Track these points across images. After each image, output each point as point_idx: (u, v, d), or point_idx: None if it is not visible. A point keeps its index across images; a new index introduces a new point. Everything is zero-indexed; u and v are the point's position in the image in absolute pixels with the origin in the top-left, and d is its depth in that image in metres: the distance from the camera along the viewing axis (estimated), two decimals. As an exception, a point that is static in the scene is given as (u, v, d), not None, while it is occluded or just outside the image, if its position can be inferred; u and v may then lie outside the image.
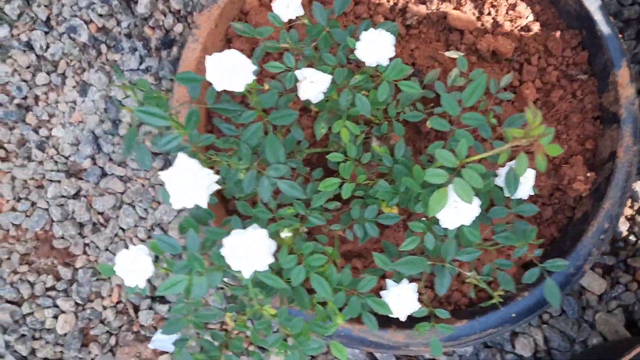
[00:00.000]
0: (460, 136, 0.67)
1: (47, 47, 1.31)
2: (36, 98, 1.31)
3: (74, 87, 1.30)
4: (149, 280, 1.23)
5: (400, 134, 0.79)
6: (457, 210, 0.63)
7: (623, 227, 1.16)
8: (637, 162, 0.84)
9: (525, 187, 0.69)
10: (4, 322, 1.24)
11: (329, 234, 0.86)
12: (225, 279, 0.71)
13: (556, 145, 0.57)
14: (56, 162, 1.29)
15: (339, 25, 0.74)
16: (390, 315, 0.69)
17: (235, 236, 0.58)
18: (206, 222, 0.72)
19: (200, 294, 0.60)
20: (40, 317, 1.25)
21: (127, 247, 1.26)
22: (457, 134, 0.68)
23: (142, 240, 1.26)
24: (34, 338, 1.25)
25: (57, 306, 1.25)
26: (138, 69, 1.29)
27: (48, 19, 1.32)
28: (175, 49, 1.30)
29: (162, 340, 1.22)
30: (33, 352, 1.24)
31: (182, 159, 0.56)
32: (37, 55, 1.31)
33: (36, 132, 1.30)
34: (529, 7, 0.98)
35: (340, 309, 0.70)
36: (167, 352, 1.23)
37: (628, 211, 1.17)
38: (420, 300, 0.70)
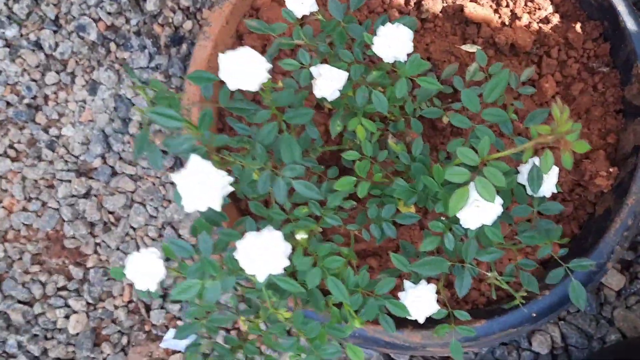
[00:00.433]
0: (482, 133, 0.64)
1: (56, 46, 1.30)
2: (46, 97, 1.30)
3: (83, 86, 1.29)
4: (160, 280, 1.22)
5: (419, 131, 0.77)
6: (478, 210, 0.62)
7: (643, 222, 1.13)
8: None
9: (549, 184, 0.66)
10: (16, 322, 1.24)
11: (345, 234, 0.84)
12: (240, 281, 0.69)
13: (583, 142, 0.55)
14: (66, 161, 1.28)
15: (355, 21, 0.72)
16: (408, 317, 0.67)
17: (250, 239, 0.56)
18: (219, 224, 0.70)
19: (213, 299, 0.59)
20: (52, 317, 1.24)
21: (138, 246, 1.25)
22: (478, 131, 0.66)
23: (153, 239, 1.24)
24: (46, 338, 1.24)
25: (68, 306, 1.24)
26: (147, 66, 1.28)
27: (57, 17, 1.30)
28: (184, 46, 1.28)
29: (174, 340, 1.21)
30: (45, 352, 1.23)
31: (195, 160, 0.54)
32: (46, 54, 1.30)
33: (46, 131, 1.29)
34: (548, -1, 0.96)
35: (357, 311, 0.68)
36: (179, 352, 1.22)
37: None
38: (438, 300, 0.68)
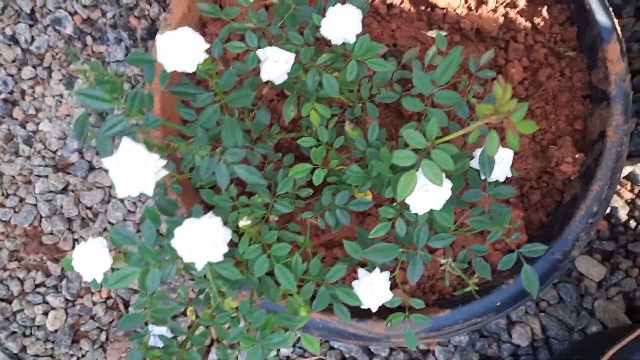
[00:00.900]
0: (432, 115, 0.63)
1: (32, 40, 1.29)
2: (22, 92, 1.29)
3: (60, 80, 1.29)
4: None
5: (375, 116, 0.75)
6: (427, 194, 0.60)
7: (623, 211, 1.11)
8: (629, 141, 0.79)
9: (502, 168, 0.65)
10: (-6, 319, 1.23)
11: (303, 223, 0.82)
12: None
13: (530, 122, 0.52)
14: (44, 157, 1.27)
15: (306, 2, 0.70)
16: (362, 307, 0.66)
17: (187, 226, 0.55)
18: (172, 213, 0.69)
19: (153, 287, 0.57)
20: (31, 314, 1.23)
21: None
22: (430, 114, 0.64)
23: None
24: (24, 335, 1.23)
25: (47, 302, 1.24)
26: (124, 59, 1.27)
27: (32, 11, 1.30)
28: (160, 39, 1.27)
29: (152, 336, 1.20)
30: (24, 349, 1.23)
31: (126, 144, 0.53)
32: (22, 48, 1.29)
33: (23, 127, 1.28)
34: (515, -18, 0.94)
35: (311, 300, 0.67)
36: (157, 347, 1.21)
37: (628, 195, 1.12)
38: (399, 289, 0.66)
